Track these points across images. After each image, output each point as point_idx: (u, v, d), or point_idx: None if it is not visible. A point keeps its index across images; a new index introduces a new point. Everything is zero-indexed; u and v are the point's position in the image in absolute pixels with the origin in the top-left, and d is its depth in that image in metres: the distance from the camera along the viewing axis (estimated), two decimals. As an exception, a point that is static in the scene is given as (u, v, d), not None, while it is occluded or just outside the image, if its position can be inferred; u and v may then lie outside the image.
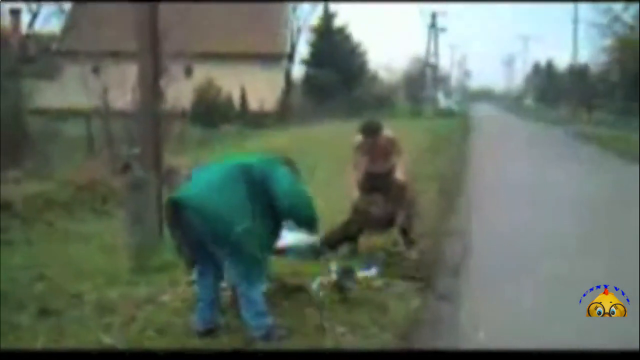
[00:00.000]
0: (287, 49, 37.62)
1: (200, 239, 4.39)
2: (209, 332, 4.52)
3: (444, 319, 5.21)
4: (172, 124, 18.37)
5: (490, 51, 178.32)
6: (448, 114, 46.18)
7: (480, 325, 4.94)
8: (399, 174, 6.62)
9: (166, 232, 6.79)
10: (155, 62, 6.35)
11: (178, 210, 4.39)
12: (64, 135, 16.67)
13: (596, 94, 45.85)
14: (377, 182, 6.66)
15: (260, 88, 30.83)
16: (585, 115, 42.95)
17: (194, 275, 4.86)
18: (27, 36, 34.04)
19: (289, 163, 4.75)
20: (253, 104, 31.15)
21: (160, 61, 6.47)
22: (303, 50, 44.84)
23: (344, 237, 6.68)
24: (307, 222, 4.72)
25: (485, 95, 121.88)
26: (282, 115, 32.04)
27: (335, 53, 41.14)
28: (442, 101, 54.63)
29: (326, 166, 12.49)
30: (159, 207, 6.56)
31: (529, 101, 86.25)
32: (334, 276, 5.38)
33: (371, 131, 6.66)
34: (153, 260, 6.05)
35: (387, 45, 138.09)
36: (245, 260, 4.33)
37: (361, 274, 5.73)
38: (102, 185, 9.84)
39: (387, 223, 6.70)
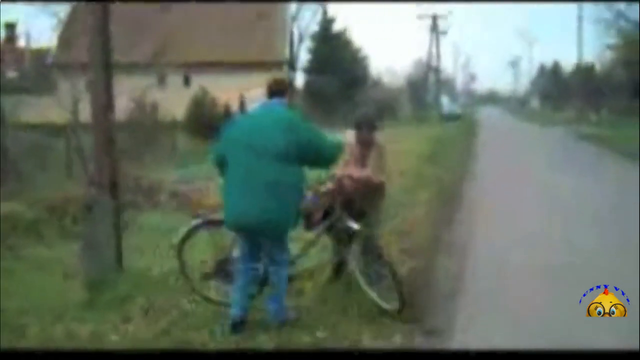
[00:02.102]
0: (286, 56, 37.03)
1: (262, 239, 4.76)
2: (243, 323, 4.69)
3: None
4: (162, 136, 17.86)
5: (495, 53, 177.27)
6: (452, 118, 45.38)
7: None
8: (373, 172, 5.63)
9: (124, 262, 6.25)
10: (107, 75, 5.75)
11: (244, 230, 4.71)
12: (57, 150, 16.04)
13: (603, 93, 44.90)
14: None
15: (259, 97, 30.21)
16: (593, 116, 42.09)
17: (238, 259, 4.93)
18: (22, 51, 33.66)
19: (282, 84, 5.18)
20: (252, 113, 30.53)
21: (112, 73, 5.83)
22: (305, 58, 44.35)
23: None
24: (333, 156, 4.90)
25: (491, 98, 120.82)
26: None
27: (335, 59, 40.50)
28: (446, 105, 53.59)
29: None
30: (116, 233, 5.94)
31: (535, 103, 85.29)
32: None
33: (369, 123, 5.66)
34: (106, 294, 5.43)
35: (389, 48, 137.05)
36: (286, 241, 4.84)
37: None
38: (75, 205, 9.18)
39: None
